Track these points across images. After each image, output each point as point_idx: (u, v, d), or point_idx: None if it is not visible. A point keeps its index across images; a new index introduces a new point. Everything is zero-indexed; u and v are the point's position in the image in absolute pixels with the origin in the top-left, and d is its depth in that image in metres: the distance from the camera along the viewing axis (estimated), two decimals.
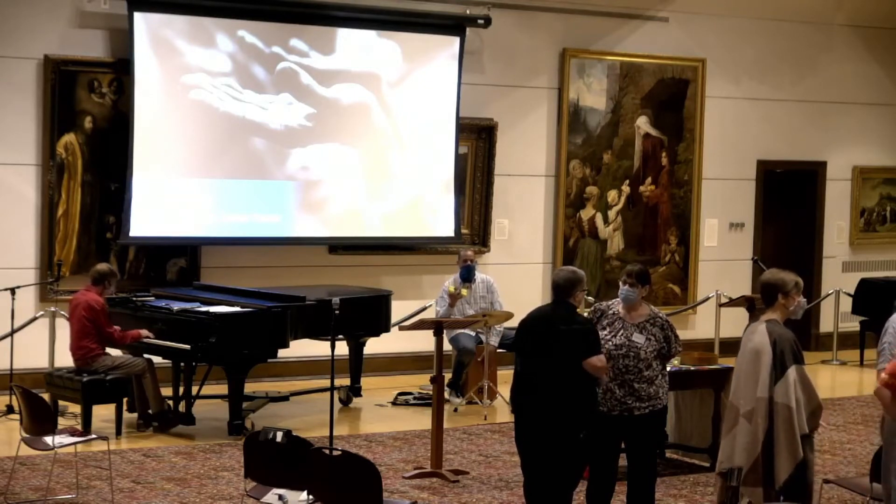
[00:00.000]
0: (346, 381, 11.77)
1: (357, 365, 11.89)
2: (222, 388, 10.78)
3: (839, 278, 15.62)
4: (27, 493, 8.49)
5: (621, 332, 7.50)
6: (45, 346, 11.43)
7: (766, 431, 6.81)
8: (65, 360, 10.69)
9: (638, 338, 7.47)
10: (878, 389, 6.81)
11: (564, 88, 13.92)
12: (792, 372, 6.81)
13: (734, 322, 13.83)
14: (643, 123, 14.42)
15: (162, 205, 12.04)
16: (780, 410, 6.75)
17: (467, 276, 11.85)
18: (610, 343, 7.48)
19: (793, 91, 15.39)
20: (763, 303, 7.10)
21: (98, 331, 10.18)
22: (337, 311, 8.84)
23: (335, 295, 10.17)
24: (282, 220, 12.65)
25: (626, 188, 14.37)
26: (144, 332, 10.35)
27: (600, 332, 7.48)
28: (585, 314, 7.62)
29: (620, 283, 7.62)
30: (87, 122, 11.91)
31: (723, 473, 6.99)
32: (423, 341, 11.64)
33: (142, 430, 10.36)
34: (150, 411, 10.41)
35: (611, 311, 7.61)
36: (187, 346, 10.23)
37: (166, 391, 10.81)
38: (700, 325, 14.65)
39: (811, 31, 15.43)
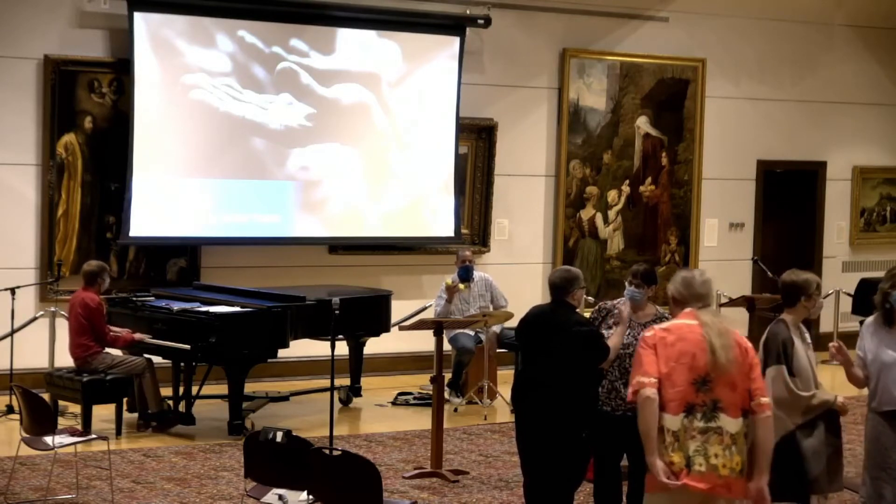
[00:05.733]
0: (346, 381, 11.77)
1: (357, 365, 11.89)
2: (222, 388, 10.77)
3: (839, 278, 15.60)
4: (27, 493, 8.49)
5: (629, 331, 7.50)
6: (45, 346, 11.43)
7: None
8: (65, 360, 10.68)
9: None
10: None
11: (564, 88, 13.91)
12: (770, 371, 6.77)
13: (734, 322, 13.81)
14: (643, 123, 14.42)
15: (162, 205, 12.04)
16: None
17: (465, 275, 11.84)
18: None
19: (793, 91, 15.39)
20: (783, 303, 6.98)
21: (94, 329, 10.19)
22: (337, 311, 8.84)
23: (335, 295, 10.17)
24: (282, 220, 12.65)
25: (626, 188, 14.37)
26: (138, 335, 10.36)
27: (606, 332, 7.49)
28: (587, 314, 7.60)
29: (626, 284, 7.62)
30: (87, 122, 11.91)
31: None
32: (423, 341, 11.63)
33: (142, 430, 10.36)
34: (149, 410, 10.42)
35: (616, 311, 7.61)
36: (187, 346, 10.23)
37: (166, 391, 10.81)
38: None
39: (811, 31, 15.42)
